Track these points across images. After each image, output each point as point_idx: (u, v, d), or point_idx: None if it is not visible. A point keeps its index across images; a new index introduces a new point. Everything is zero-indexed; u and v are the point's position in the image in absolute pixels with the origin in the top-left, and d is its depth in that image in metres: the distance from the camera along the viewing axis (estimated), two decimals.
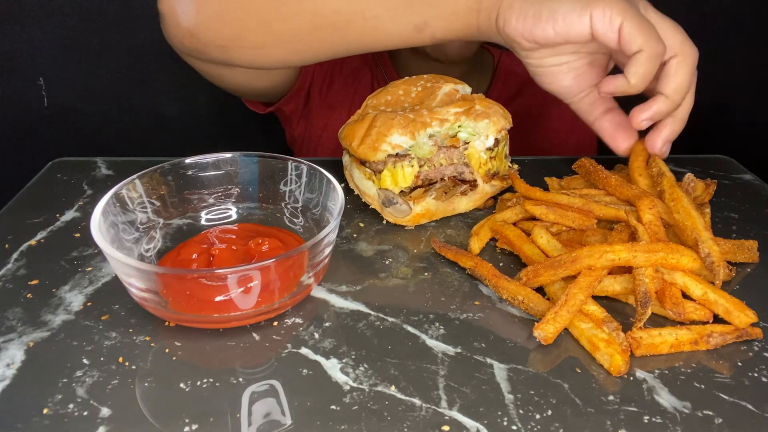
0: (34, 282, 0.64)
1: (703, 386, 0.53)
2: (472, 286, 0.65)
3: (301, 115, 1.19)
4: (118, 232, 0.62)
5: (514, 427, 0.49)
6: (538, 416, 0.50)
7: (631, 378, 0.54)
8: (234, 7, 0.78)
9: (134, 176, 0.66)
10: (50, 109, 1.41)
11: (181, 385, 0.52)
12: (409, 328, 0.59)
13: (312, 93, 1.15)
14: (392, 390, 0.52)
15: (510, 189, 0.81)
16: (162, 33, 0.88)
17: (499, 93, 1.19)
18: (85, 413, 0.49)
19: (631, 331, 0.56)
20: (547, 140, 1.21)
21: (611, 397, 0.52)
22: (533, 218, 0.71)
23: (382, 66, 1.17)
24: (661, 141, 0.73)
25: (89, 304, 0.61)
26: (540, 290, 0.63)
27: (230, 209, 0.73)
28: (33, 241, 0.71)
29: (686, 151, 0.95)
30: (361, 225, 0.76)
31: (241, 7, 0.77)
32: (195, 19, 0.81)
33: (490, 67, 1.22)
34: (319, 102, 1.16)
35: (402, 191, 0.75)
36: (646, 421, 0.49)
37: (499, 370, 0.54)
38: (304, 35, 0.78)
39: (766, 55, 1.34)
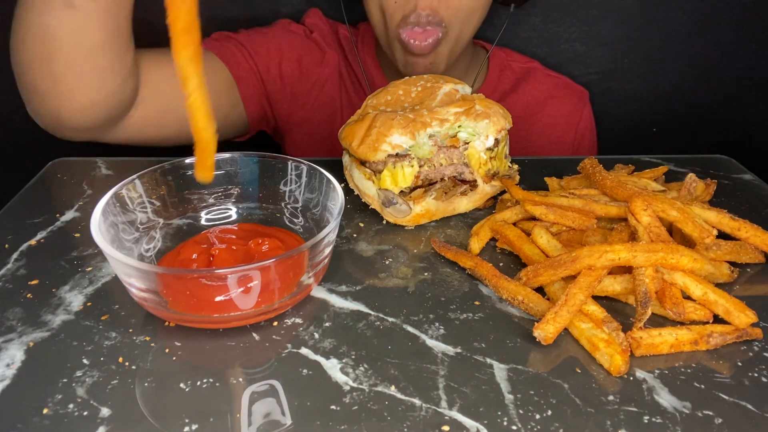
0: (34, 282, 0.64)
1: (703, 386, 0.53)
2: (472, 286, 0.65)
3: (279, 134, 1.23)
4: (118, 232, 0.62)
5: (514, 427, 0.49)
6: (538, 416, 0.50)
7: (631, 378, 0.54)
8: (30, 80, 0.85)
9: (134, 176, 0.66)
10: None
11: (181, 385, 0.52)
12: (409, 328, 0.59)
13: (277, 115, 1.19)
14: (392, 390, 0.52)
15: None
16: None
17: (494, 88, 1.19)
18: (85, 413, 0.49)
19: (631, 331, 0.56)
20: (544, 136, 1.21)
21: (611, 397, 0.52)
22: (533, 218, 0.71)
23: (367, 75, 1.17)
24: None
25: (89, 304, 0.61)
26: (540, 290, 0.63)
27: (230, 209, 0.73)
28: (33, 241, 0.71)
29: (686, 151, 0.95)
30: (361, 225, 0.76)
31: (30, 80, 0.85)
32: (47, 117, 0.88)
33: (485, 62, 1.22)
34: (288, 120, 1.19)
35: (402, 191, 0.75)
36: (646, 421, 0.49)
37: (499, 370, 0.54)
38: (72, 57, 0.82)
39: (766, 54, 1.33)
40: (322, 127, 1.18)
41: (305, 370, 0.54)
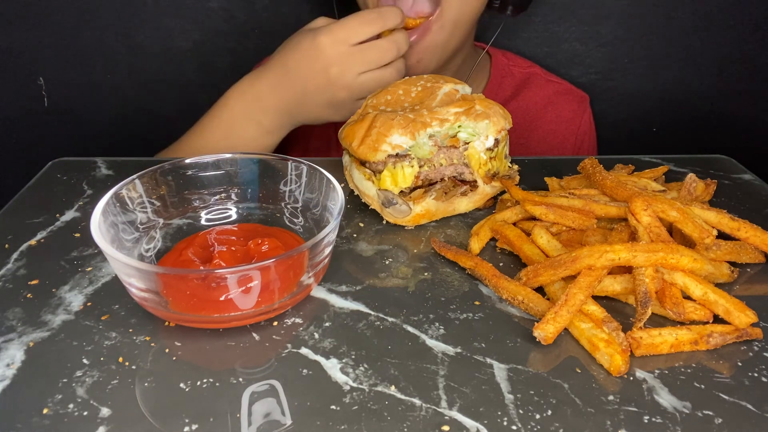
0: (34, 282, 0.64)
1: (703, 386, 0.53)
2: (472, 286, 0.65)
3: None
4: (118, 232, 0.62)
5: (514, 427, 0.49)
6: (538, 416, 0.50)
7: (631, 378, 0.54)
8: None
9: (134, 176, 0.66)
10: (50, 109, 1.41)
11: (181, 385, 0.52)
12: (409, 328, 0.59)
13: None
14: (392, 390, 0.52)
15: None
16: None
17: (495, 95, 1.19)
18: (85, 413, 0.49)
19: (631, 331, 0.56)
20: (545, 142, 1.21)
21: (611, 397, 0.52)
22: (533, 218, 0.71)
23: None
24: None
25: (89, 304, 0.61)
26: (540, 290, 0.63)
27: (230, 209, 0.73)
28: (33, 241, 0.71)
29: (686, 151, 0.95)
30: (361, 225, 0.76)
31: None
32: None
33: (487, 68, 1.22)
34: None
35: (402, 192, 0.75)
36: (646, 421, 0.49)
37: (499, 370, 0.54)
38: None
39: (766, 54, 1.33)
40: (321, 154, 1.20)
41: (305, 370, 0.54)
